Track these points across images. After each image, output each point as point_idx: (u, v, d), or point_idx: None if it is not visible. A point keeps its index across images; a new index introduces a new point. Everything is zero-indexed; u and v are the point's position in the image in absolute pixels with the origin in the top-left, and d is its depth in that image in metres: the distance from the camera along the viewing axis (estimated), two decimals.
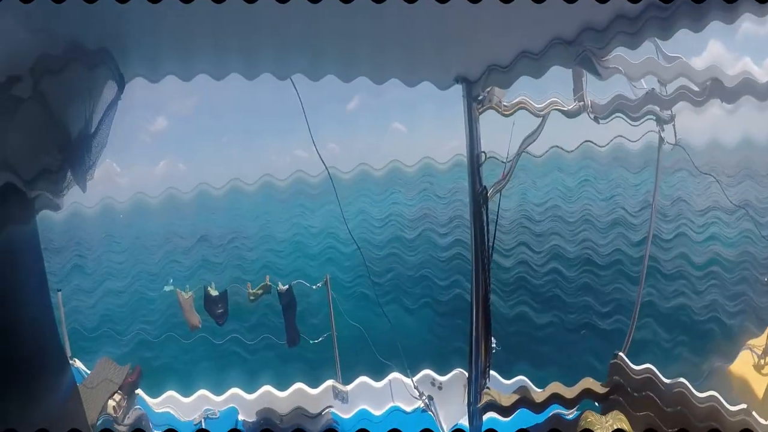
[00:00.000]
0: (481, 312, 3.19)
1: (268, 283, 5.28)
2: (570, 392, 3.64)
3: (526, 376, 4.25)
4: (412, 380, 4.43)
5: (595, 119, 3.46)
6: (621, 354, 3.88)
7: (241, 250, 16.87)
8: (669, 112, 3.60)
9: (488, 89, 3.00)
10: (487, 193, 2.93)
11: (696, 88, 3.19)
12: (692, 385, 3.49)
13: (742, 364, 6.09)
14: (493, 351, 3.55)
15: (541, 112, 3.16)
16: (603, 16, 2.31)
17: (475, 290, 3.14)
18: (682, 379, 3.50)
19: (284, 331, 5.40)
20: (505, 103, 3.14)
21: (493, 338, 3.51)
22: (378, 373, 4.64)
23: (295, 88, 2.86)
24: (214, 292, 6.30)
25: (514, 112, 3.10)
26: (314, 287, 4.94)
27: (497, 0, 2.01)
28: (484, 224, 2.96)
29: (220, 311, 6.19)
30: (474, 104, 3.01)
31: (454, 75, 2.94)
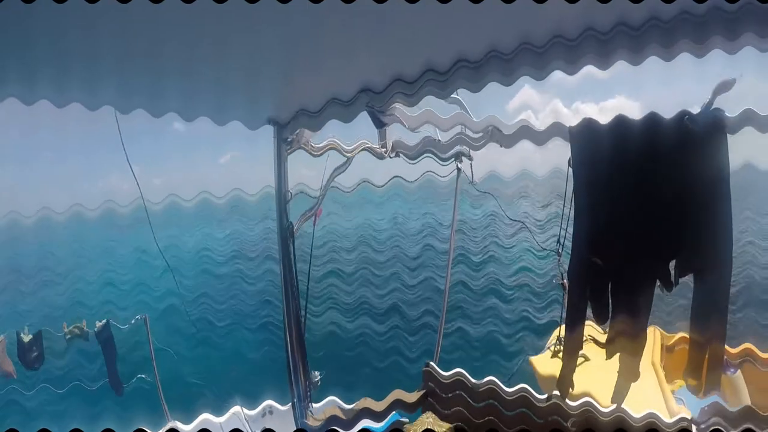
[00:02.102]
0: (294, 338, 3.38)
1: (85, 328, 4.79)
2: (379, 405, 3.95)
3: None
4: (242, 410, 4.39)
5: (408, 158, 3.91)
6: (431, 363, 4.37)
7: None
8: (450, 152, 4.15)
9: (297, 131, 3.26)
10: (293, 228, 3.16)
11: (474, 135, 3.59)
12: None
13: (543, 360, 7.32)
14: (317, 382, 3.74)
15: (350, 153, 3.46)
16: (381, 79, 2.66)
17: (287, 318, 3.33)
18: (491, 377, 4.02)
19: (107, 376, 4.89)
20: (315, 144, 3.41)
21: (316, 371, 3.71)
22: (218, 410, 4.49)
23: (116, 118, 2.75)
24: (27, 338, 5.60)
25: (325, 152, 3.37)
26: (125, 327, 4.62)
27: (310, 49, 2.23)
28: (291, 257, 3.18)
29: (34, 355, 5.52)
30: (283, 145, 3.24)
31: (266, 117, 3.15)
